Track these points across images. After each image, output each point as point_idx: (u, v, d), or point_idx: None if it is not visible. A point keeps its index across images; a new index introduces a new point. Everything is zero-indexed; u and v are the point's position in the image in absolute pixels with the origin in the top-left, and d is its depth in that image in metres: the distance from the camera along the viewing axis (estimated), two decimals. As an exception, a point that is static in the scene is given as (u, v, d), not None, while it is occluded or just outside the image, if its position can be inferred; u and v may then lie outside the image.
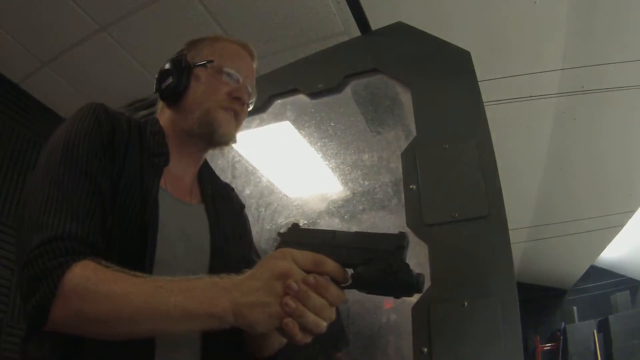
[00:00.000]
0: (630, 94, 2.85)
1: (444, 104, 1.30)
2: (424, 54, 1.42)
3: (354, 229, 1.40)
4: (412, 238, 1.15)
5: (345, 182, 1.48)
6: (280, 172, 1.64)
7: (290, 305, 0.60)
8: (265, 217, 1.53)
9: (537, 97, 2.88)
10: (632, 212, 4.20)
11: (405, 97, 1.38)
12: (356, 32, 1.62)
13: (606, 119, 3.15)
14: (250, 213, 1.51)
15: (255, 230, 1.44)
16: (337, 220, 1.44)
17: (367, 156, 1.47)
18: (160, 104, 0.97)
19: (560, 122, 3.14)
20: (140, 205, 0.78)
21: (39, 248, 0.65)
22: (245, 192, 1.56)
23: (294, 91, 1.58)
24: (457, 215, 1.12)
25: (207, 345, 0.82)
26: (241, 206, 1.10)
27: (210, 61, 0.94)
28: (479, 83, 1.30)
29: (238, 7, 2.25)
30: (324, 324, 0.62)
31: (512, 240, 1.08)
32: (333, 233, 0.70)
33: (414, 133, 1.29)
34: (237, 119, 0.95)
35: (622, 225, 4.44)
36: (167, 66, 0.95)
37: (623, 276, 5.85)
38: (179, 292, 0.63)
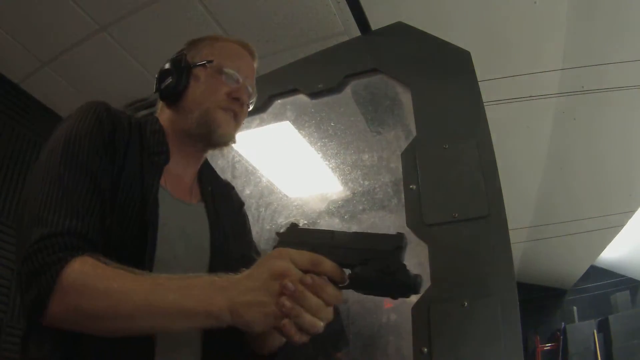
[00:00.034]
0: (630, 94, 2.85)
1: (444, 104, 1.30)
2: (424, 54, 1.42)
3: (354, 229, 1.40)
4: (412, 238, 1.15)
5: (345, 182, 1.48)
6: (280, 172, 1.64)
7: (286, 306, 0.60)
8: (265, 217, 1.53)
9: (537, 97, 2.88)
10: (632, 212, 4.20)
11: (405, 97, 1.38)
12: (356, 32, 1.62)
13: (606, 119, 3.15)
14: (250, 213, 1.51)
15: (255, 230, 1.44)
16: (337, 220, 1.44)
17: (367, 156, 1.47)
18: (160, 104, 0.98)
19: (560, 122, 3.14)
20: (140, 204, 0.78)
21: (38, 243, 0.65)
22: (245, 192, 1.56)
23: (294, 91, 1.58)
24: (457, 215, 1.12)
25: (207, 344, 0.82)
26: (241, 204, 1.10)
27: (210, 61, 0.94)
28: (479, 83, 1.30)
29: (238, 7, 2.25)
30: (320, 324, 0.62)
31: (512, 240, 1.08)
32: (331, 233, 0.70)
33: (414, 133, 1.29)
34: (237, 119, 0.95)
35: (622, 225, 4.44)
36: (167, 66, 0.95)
37: (623, 276, 5.85)
38: (176, 290, 0.63)
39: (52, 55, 2.50)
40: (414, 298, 1.08)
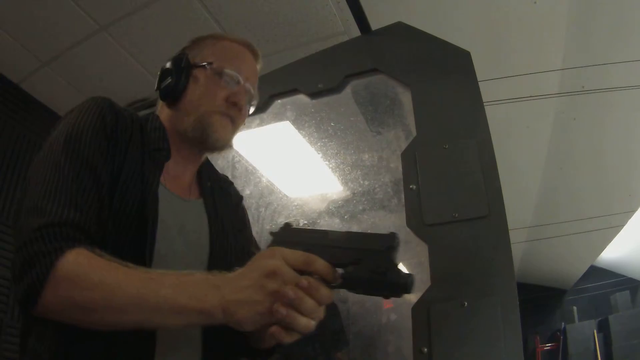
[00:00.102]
0: (630, 94, 2.85)
1: (444, 104, 1.30)
2: (424, 54, 1.42)
3: (354, 229, 1.40)
4: (412, 238, 1.15)
5: (345, 182, 1.49)
6: (280, 172, 1.64)
7: (281, 313, 0.60)
8: (265, 217, 1.54)
9: (537, 97, 2.88)
10: (632, 212, 4.20)
11: (405, 97, 1.38)
12: (356, 32, 1.62)
13: (606, 119, 3.15)
14: (250, 213, 1.51)
15: (255, 230, 1.44)
16: (337, 220, 1.44)
17: (367, 156, 1.47)
18: (160, 103, 0.97)
19: (560, 122, 3.15)
20: (140, 200, 0.78)
21: (35, 232, 0.65)
22: (245, 192, 1.56)
23: (294, 91, 1.58)
24: (457, 215, 1.12)
25: (207, 342, 0.82)
26: (239, 199, 1.10)
27: (210, 63, 0.93)
28: (479, 83, 1.30)
29: (238, 7, 2.25)
30: (313, 324, 0.63)
31: (512, 240, 1.08)
32: (324, 233, 0.71)
33: (414, 133, 1.29)
34: (234, 124, 0.94)
35: (622, 225, 4.45)
36: (168, 65, 0.94)
37: (623, 276, 5.86)
38: (169, 286, 0.63)
39: (52, 55, 2.50)
40: (413, 298, 1.08)
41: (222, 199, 1.01)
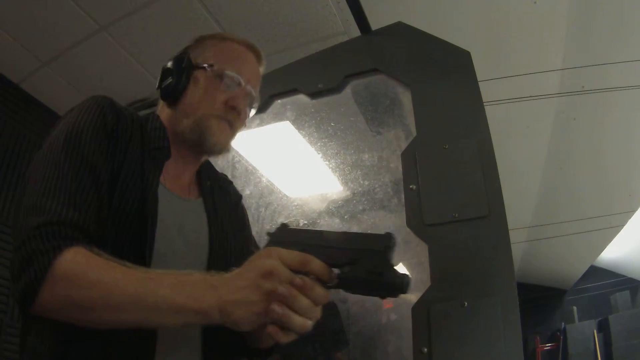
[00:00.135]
0: (630, 94, 2.85)
1: (444, 104, 1.30)
2: (424, 54, 1.42)
3: (354, 229, 1.40)
4: (412, 238, 1.15)
5: (345, 182, 1.49)
6: (280, 172, 1.64)
7: (277, 312, 0.61)
8: (265, 217, 1.54)
9: (537, 97, 2.88)
10: (632, 212, 4.20)
11: (405, 97, 1.38)
12: (356, 32, 1.62)
13: (606, 119, 3.15)
14: (250, 213, 1.51)
15: (255, 230, 1.44)
16: (337, 220, 1.44)
17: (367, 156, 1.47)
18: (161, 102, 0.97)
19: (560, 122, 3.15)
20: (140, 199, 0.78)
21: (33, 230, 0.65)
22: (245, 192, 1.56)
23: (294, 91, 1.58)
24: (457, 215, 1.12)
25: (207, 342, 0.82)
26: (238, 197, 1.09)
27: (211, 65, 0.92)
28: (479, 83, 1.30)
29: (238, 7, 2.25)
30: (309, 324, 0.63)
31: (512, 240, 1.08)
32: (320, 233, 0.71)
33: (414, 133, 1.29)
34: (232, 128, 0.94)
35: (622, 225, 4.45)
36: (169, 65, 0.94)
37: (623, 276, 5.86)
38: (167, 286, 0.63)
39: (52, 55, 2.50)
40: (413, 298, 1.08)
41: (222, 198, 1.01)
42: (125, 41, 2.42)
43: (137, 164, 0.81)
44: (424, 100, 1.33)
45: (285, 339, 0.63)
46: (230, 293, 0.62)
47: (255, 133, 1.62)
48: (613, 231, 4.54)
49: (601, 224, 4.30)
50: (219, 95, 0.91)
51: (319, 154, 1.56)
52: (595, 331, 5.40)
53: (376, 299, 0.67)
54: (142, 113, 0.96)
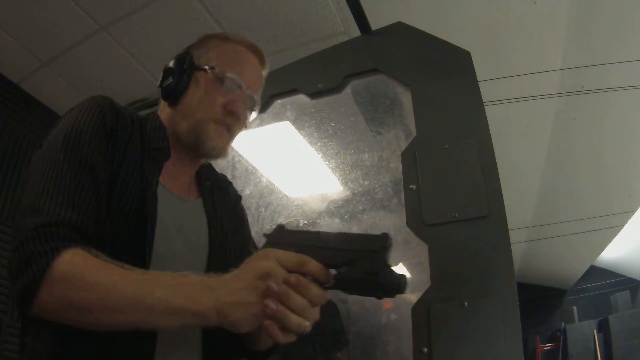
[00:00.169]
0: (630, 94, 2.85)
1: (444, 104, 1.30)
2: (424, 54, 1.42)
3: (354, 228, 1.40)
4: (412, 238, 1.15)
5: (345, 182, 1.49)
6: (280, 172, 1.64)
7: (270, 307, 0.61)
8: (265, 217, 1.54)
9: (537, 97, 2.88)
10: (632, 212, 4.20)
11: (405, 97, 1.38)
12: (356, 32, 1.62)
13: (606, 119, 3.15)
14: (250, 213, 1.51)
15: (255, 230, 1.44)
16: (337, 220, 1.44)
17: (367, 156, 1.47)
18: (162, 101, 0.97)
19: (560, 122, 3.14)
20: (139, 200, 0.78)
21: (32, 231, 0.65)
22: (245, 192, 1.56)
23: (294, 91, 1.58)
24: (457, 215, 1.12)
25: (207, 342, 0.82)
26: (238, 198, 1.09)
27: (212, 67, 0.91)
28: (479, 83, 1.30)
29: (238, 7, 2.25)
30: (306, 324, 0.63)
31: (512, 240, 1.08)
32: (317, 234, 0.71)
33: (414, 133, 1.29)
34: (230, 132, 0.93)
35: (622, 225, 4.44)
36: (171, 64, 0.93)
37: (623, 276, 5.85)
38: (165, 287, 0.63)
39: (52, 55, 2.50)
40: (413, 298, 1.08)
41: (221, 199, 1.01)
42: (125, 41, 2.42)
43: (137, 164, 0.81)
44: (424, 100, 1.33)
45: (283, 338, 0.62)
46: (227, 295, 0.62)
47: (255, 133, 1.62)
48: (613, 231, 4.54)
49: (601, 224, 4.30)
50: (218, 99, 0.90)
51: (319, 154, 1.56)
52: (595, 331, 5.40)
53: (376, 299, 0.67)
54: (142, 113, 0.96)
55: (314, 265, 0.64)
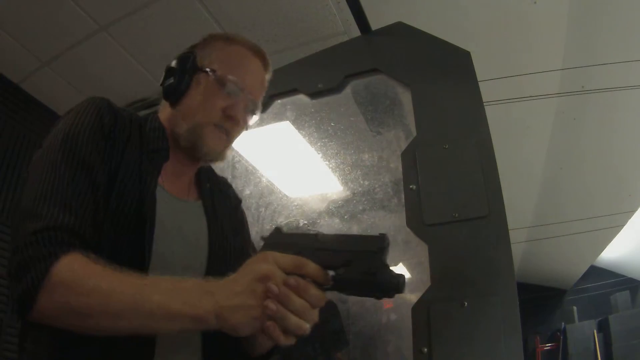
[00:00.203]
0: (630, 94, 2.85)
1: (444, 104, 1.30)
2: (424, 54, 1.42)
3: (354, 228, 1.40)
4: (412, 238, 1.15)
5: (345, 182, 1.49)
6: (280, 172, 1.64)
7: (270, 308, 0.61)
8: (265, 217, 1.54)
9: (537, 97, 2.88)
10: (632, 212, 4.20)
11: (405, 97, 1.38)
12: (356, 32, 1.62)
13: (606, 119, 3.15)
14: (250, 213, 1.51)
15: (255, 230, 1.44)
16: (337, 220, 1.44)
17: (367, 156, 1.47)
18: (163, 101, 0.97)
19: (560, 122, 3.14)
20: (138, 201, 0.78)
21: (30, 236, 0.65)
22: (245, 192, 1.56)
23: (294, 91, 1.58)
24: (457, 215, 1.12)
25: (207, 345, 0.82)
26: (238, 201, 1.09)
27: (214, 70, 0.90)
28: (479, 83, 1.30)
29: (238, 7, 2.25)
30: (306, 326, 0.63)
31: (512, 240, 1.08)
32: (315, 236, 0.71)
33: (414, 133, 1.29)
34: (229, 136, 0.92)
35: (622, 225, 4.44)
36: (173, 64, 0.93)
37: (623, 276, 5.85)
38: (163, 292, 0.63)
39: (52, 55, 2.50)
40: (413, 298, 1.08)
41: (222, 201, 1.00)
42: (125, 41, 2.42)
43: (135, 165, 0.81)
44: (424, 100, 1.33)
45: (283, 340, 0.62)
46: (226, 298, 0.62)
47: (255, 133, 1.62)
48: (613, 231, 4.54)
49: (601, 224, 4.30)
50: (218, 102, 0.89)
51: (319, 154, 1.56)
52: (595, 331, 5.40)
53: (375, 299, 0.68)
54: (142, 113, 0.96)
55: (312, 267, 0.64)
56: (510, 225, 1.09)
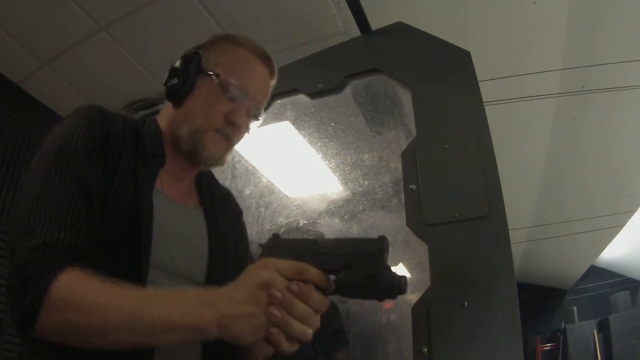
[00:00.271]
0: (630, 94, 2.85)
1: (444, 104, 1.30)
2: (424, 54, 1.42)
3: (354, 228, 1.40)
4: (412, 238, 1.15)
5: (345, 182, 1.49)
6: (280, 172, 1.64)
7: (275, 315, 0.60)
8: (265, 217, 1.54)
9: (537, 97, 2.88)
10: (632, 212, 4.20)
11: (405, 97, 1.38)
12: (356, 32, 1.62)
13: (606, 119, 3.15)
14: (250, 213, 1.51)
15: (255, 230, 1.44)
16: (337, 220, 1.44)
17: (367, 156, 1.47)
18: (166, 102, 0.96)
19: (561, 122, 3.14)
20: (133, 207, 0.77)
21: (27, 254, 0.65)
22: (245, 192, 1.56)
23: (294, 91, 1.58)
24: (457, 215, 1.12)
25: (207, 346, 0.82)
26: (239, 212, 1.08)
27: (218, 75, 0.89)
28: (479, 83, 1.30)
29: (238, 7, 2.25)
30: (310, 332, 0.62)
31: (512, 240, 1.08)
32: (314, 241, 0.71)
33: (414, 133, 1.29)
34: (229, 142, 0.92)
35: (622, 225, 4.44)
36: (177, 64, 0.91)
37: (623, 276, 5.85)
38: (163, 304, 0.63)
39: (52, 55, 2.50)
40: (414, 298, 1.08)
41: (222, 210, 0.99)
42: (125, 41, 2.42)
43: (131, 170, 0.80)
44: (424, 100, 1.33)
45: (286, 346, 0.62)
46: (227, 307, 0.61)
47: (255, 133, 1.62)
48: (613, 231, 4.54)
49: (601, 224, 4.30)
50: (221, 107, 0.88)
51: (319, 154, 1.56)
52: (595, 331, 5.40)
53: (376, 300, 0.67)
54: (142, 113, 0.95)
55: (313, 272, 0.64)
56: (510, 225, 1.08)
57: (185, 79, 0.89)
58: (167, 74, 0.92)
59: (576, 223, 4.30)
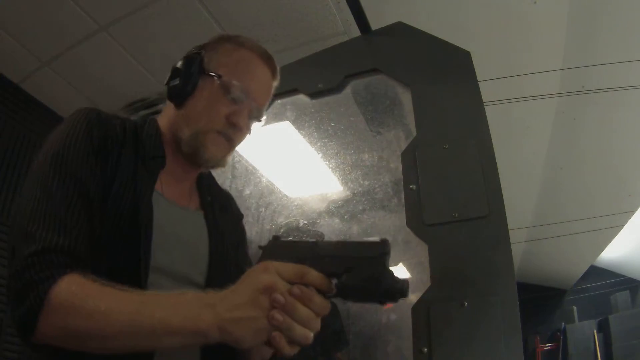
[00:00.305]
0: (630, 94, 2.86)
1: (444, 104, 1.30)
2: (424, 54, 1.42)
3: (354, 228, 1.40)
4: (412, 238, 1.15)
5: (345, 182, 1.49)
6: (280, 172, 1.64)
7: (277, 319, 0.60)
8: (265, 217, 1.54)
9: (537, 97, 2.88)
10: (632, 212, 4.20)
11: (405, 97, 1.38)
12: (356, 32, 1.62)
13: (606, 119, 3.15)
14: (250, 213, 1.51)
15: (255, 230, 1.44)
16: (337, 220, 1.44)
17: (367, 156, 1.47)
18: (167, 102, 0.95)
19: (561, 122, 3.15)
20: (133, 210, 0.76)
21: (26, 259, 0.65)
22: (245, 192, 1.56)
23: (294, 91, 1.58)
24: (457, 215, 1.12)
25: (206, 348, 0.81)
26: (240, 216, 1.08)
27: (220, 76, 0.88)
28: (479, 83, 1.30)
29: (238, 7, 2.25)
30: (311, 335, 0.62)
31: (512, 240, 1.08)
32: (314, 244, 0.70)
33: (414, 133, 1.29)
34: (231, 143, 0.92)
35: (622, 225, 4.44)
36: (179, 64, 0.91)
37: (623, 276, 5.85)
38: (163, 308, 0.62)
39: (52, 55, 2.50)
40: (414, 298, 1.08)
41: (223, 213, 0.99)
42: (125, 41, 2.42)
43: (130, 172, 0.80)
44: (424, 100, 1.33)
45: (288, 350, 0.61)
46: (228, 311, 0.61)
47: (255, 133, 1.62)
48: (613, 231, 4.54)
49: (601, 224, 4.30)
50: (222, 109, 0.88)
51: (319, 154, 1.56)
52: (595, 331, 5.40)
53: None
54: (142, 113, 0.95)
55: (314, 275, 0.63)
56: (510, 225, 1.08)
57: (187, 79, 0.89)
58: (169, 74, 0.92)
59: (576, 223, 4.30)
